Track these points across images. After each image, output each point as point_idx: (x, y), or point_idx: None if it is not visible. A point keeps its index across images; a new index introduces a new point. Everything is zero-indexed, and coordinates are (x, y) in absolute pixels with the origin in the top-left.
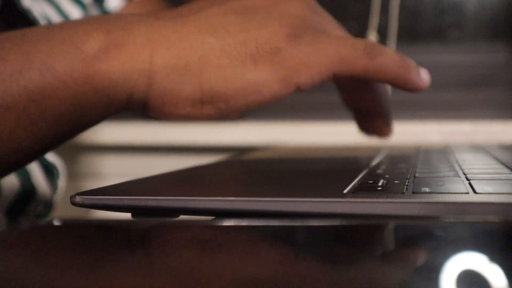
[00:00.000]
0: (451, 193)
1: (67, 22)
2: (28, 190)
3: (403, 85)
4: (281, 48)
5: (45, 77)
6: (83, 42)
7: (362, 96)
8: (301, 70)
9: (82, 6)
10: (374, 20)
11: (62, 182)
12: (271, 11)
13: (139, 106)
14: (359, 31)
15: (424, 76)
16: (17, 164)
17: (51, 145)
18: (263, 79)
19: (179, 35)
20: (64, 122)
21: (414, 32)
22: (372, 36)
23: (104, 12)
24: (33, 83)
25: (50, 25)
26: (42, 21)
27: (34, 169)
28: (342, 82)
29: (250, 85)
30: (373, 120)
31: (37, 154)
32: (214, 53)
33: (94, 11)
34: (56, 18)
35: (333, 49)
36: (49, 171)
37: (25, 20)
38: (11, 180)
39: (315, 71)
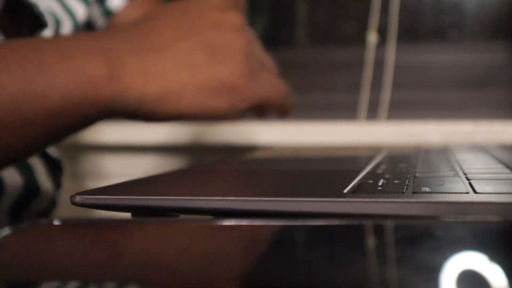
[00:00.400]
0: (451, 193)
1: (75, 43)
2: (31, 187)
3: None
4: (238, 84)
5: (64, 100)
6: (92, 72)
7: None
8: (250, 100)
9: (86, 2)
10: (374, 20)
11: (64, 179)
12: (230, 50)
13: (122, 118)
14: (359, 31)
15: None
16: (18, 161)
17: (52, 145)
18: (221, 107)
19: (162, 69)
20: (69, 132)
21: (414, 32)
22: (372, 36)
23: (106, 11)
24: (54, 105)
25: (61, 48)
26: (47, 16)
27: (38, 166)
28: None
29: (211, 111)
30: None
31: (40, 150)
32: (188, 87)
33: (95, 10)
34: (61, 13)
35: (273, 87)
36: (53, 168)
37: (31, 14)
38: (15, 178)
39: (255, 102)
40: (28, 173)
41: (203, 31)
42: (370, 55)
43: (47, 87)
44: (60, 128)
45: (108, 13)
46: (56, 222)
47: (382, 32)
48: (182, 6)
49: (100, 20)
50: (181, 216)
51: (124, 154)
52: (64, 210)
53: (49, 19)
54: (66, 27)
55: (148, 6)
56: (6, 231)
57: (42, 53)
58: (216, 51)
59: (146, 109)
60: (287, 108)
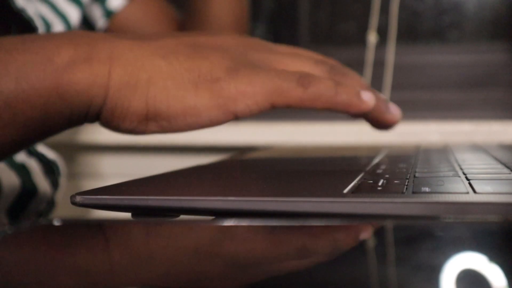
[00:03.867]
0: (451, 193)
1: (40, 35)
2: (29, 188)
3: (345, 110)
4: (220, 78)
5: (20, 84)
6: (54, 54)
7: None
8: (238, 100)
9: (80, 4)
10: (374, 20)
11: (62, 180)
12: (217, 47)
13: (94, 118)
14: (359, 31)
15: (366, 97)
16: None
17: (18, 149)
18: (202, 104)
19: (135, 54)
20: (32, 128)
21: (414, 32)
22: (372, 36)
23: (106, 11)
24: (9, 89)
25: (24, 36)
26: (37, 21)
27: (35, 167)
28: None
29: (190, 108)
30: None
31: (3, 156)
32: (161, 75)
33: (95, 10)
34: (51, 17)
35: (268, 80)
36: (50, 169)
37: (20, 19)
38: (12, 179)
39: (251, 101)
40: (24, 174)
41: (195, 36)
42: (370, 55)
43: (0, 70)
44: (20, 122)
45: (108, 14)
46: (56, 223)
47: (382, 32)
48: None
49: (100, 21)
50: (181, 216)
51: (122, 154)
52: (63, 210)
53: (39, 24)
54: (58, 31)
55: (148, 5)
56: (6, 231)
57: (2, 39)
58: (202, 48)
59: (114, 102)
60: (345, 105)
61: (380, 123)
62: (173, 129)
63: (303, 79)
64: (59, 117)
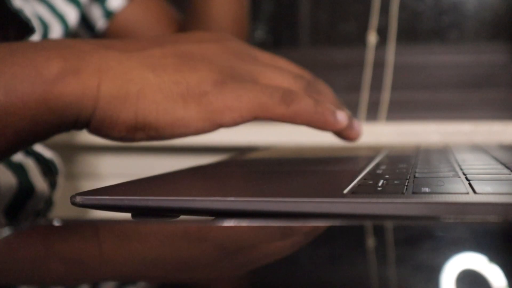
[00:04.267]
0: (451, 193)
1: (29, 45)
2: (26, 188)
3: (320, 128)
4: (208, 92)
5: (9, 97)
6: (43, 67)
7: None
8: (224, 113)
9: (78, 5)
10: (374, 20)
11: (60, 179)
12: (204, 58)
13: (82, 126)
14: (359, 31)
15: (340, 118)
16: None
17: (7, 156)
18: (190, 116)
19: (123, 67)
20: (21, 137)
21: (414, 32)
22: (372, 36)
23: (106, 11)
24: None
25: (13, 46)
26: (34, 21)
27: (32, 167)
28: None
29: (178, 120)
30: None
31: None
32: (150, 88)
33: (95, 10)
34: (49, 17)
35: (253, 96)
36: (47, 168)
37: (17, 20)
38: (9, 179)
39: (236, 114)
40: (21, 174)
41: (181, 43)
42: (370, 55)
43: None
44: (9, 132)
45: (108, 14)
46: (56, 223)
47: (382, 33)
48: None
49: (100, 21)
50: (181, 216)
51: (122, 154)
52: (63, 211)
53: (36, 24)
54: (56, 31)
55: (148, 5)
56: (6, 231)
57: None
58: (189, 59)
59: (103, 113)
60: (321, 123)
61: (345, 137)
62: (160, 138)
63: (286, 96)
64: (48, 127)
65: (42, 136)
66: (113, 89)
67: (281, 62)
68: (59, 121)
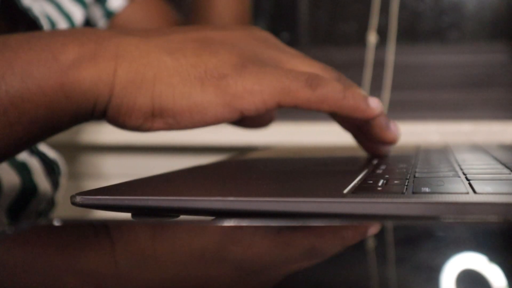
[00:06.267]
0: (451, 193)
1: (45, 32)
2: (29, 188)
3: (350, 115)
4: (227, 75)
5: (25, 82)
6: (59, 52)
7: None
8: (244, 98)
9: (84, 4)
10: (374, 20)
11: (63, 179)
12: (225, 43)
13: (100, 115)
14: (359, 31)
15: (373, 104)
16: None
17: (24, 147)
18: (208, 101)
19: (141, 51)
20: (38, 126)
21: (414, 32)
22: (372, 36)
23: (106, 12)
24: (14, 88)
25: (30, 34)
26: (43, 20)
27: (35, 166)
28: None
29: (196, 105)
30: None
31: (11, 154)
32: (167, 71)
33: (96, 11)
34: (57, 16)
35: (275, 79)
36: (51, 168)
37: (26, 18)
38: (12, 178)
39: (258, 99)
40: (25, 173)
41: (205, 30)
42: (370, 55)
43: (6, 69)
44: (25, 120)
45: (109, 14)
46: (56, 223)
47: (382, 32)
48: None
49: (101, 21)
50: (181, 216)
51: (123, 154)
52: (63, 210)
53: (44, 23)
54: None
55: (148, 6)
56: (6, 231)
57: (9, 38)
58: (210, 44)
59: (120, 100)
60: (351, 109)
61: (378, 139)
62: (179, 125)
63: (312, 80)
64: (65, 115)
65: (59, 126)
66: (128, 73)
67: (310, 58)
68: (75, 109)
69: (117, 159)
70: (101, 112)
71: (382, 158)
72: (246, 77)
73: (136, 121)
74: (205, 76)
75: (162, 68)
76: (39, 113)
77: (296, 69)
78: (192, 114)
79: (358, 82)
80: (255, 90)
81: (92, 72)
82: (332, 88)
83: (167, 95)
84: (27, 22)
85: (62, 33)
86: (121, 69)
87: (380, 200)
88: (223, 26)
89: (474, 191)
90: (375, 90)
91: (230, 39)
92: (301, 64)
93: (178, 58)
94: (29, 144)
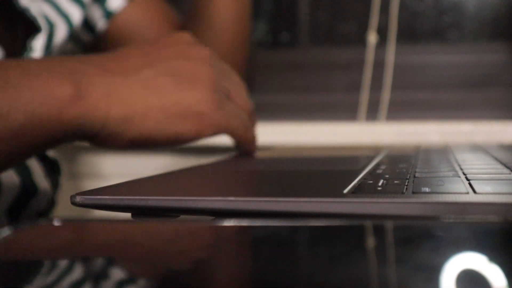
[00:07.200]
0: (451, 193)
1: (39, 65)
2: (29, 188)
3: (242, 146)
4: (203, 112)
5: (28, 119)
6: (58, 91)
7: None
8: (213, 128)
9: (82, 5)
10: (374, 20)
11: (62, 179)
12: (195, 78)
13: (87, 140)
14: (359, 31)
15: (255, 143)
16: None
17: (19, 163)
18: (187, 131)
19: (128, 92)
20: (34, 151)
21: (414, 32)
22: (372, 36)
23: (106, 12)
24: (17, 123)
25: (25, 68)
26: (40, 20)
27: (35, 166)
28: None
29: (177, 135)
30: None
31: (5, 169)
32: (154, 110)
33: (95, 11)
34: (54, 16)
35: (235, 123)
36: (50, 168)
37: (24, 18)
38: (12, 178)
39: (220, 130)
40: (25, 173)
41: (169, 61)
42: (370, 55)
43: (10, 106)
44: (24, 147)
45: (108, 14)
46: (56, 223)
47: (382, 32)
48: (153, 40)
49: (100, 22)
50: (181, 216)
51: (123, 154)
52: (63, 210)
53: (42, 23)
54: (61, 31)
55: (148, 6)
56: (6, 231)
57: (7, 73)
58: (182, 79)
59: (111, 131)
60: (249, 143)
61: (244, 150)
62: (155, 148)
63: (249, 129)
64: (59, 141)
65: (52, 147)
66: (120, 112)
67: (243, 91)
68: (69, 137)
69: (117, 159)
70: (89, 138)
71: (381, 158)
72: (217, 112)
73: (122, 147)
74: (185, 112)
75: (149, 107)
76: (37, 142)
77: (240, 106)
78: (170, 141)
79: (358, 82)
80: (223, 123)
81: (87, 110)
82: (250, 134)
83: (154, 129)
84: (25, 22)
85: (58, 70)
86: (114, 107)
87: (380, 200)
88: (177, 52)
89: (474, 191)
90: (375, 90)
91: (199, 75)
92: (242, 98)
93: (160, 97)
94: (23, 161)
